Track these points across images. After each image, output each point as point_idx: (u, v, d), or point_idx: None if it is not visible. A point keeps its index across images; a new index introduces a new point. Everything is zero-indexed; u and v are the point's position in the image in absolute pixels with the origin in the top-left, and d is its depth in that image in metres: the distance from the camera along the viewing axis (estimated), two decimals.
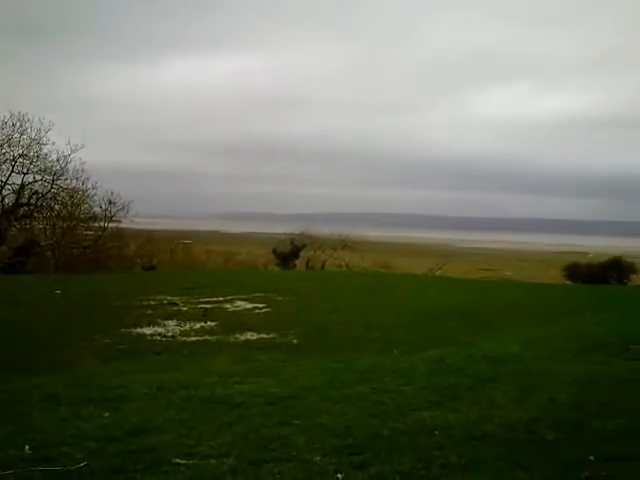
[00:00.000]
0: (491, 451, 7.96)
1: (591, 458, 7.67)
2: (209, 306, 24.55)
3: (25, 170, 46.72)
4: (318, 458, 7.83)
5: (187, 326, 20.20)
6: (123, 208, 49.42)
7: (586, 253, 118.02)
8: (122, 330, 19.34)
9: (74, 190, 48.41)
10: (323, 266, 56.77)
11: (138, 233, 56.73)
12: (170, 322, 20.79)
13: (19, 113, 46.97)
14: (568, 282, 53.07)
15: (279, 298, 27.25)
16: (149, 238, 57.93)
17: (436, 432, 8.73)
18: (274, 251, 56.46)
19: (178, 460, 7.68)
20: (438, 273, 74.24)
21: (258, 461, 7.69)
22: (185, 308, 24.07)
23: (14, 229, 48.51)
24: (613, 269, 55.67)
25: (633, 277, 55.15)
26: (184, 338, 18.40)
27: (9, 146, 46.61)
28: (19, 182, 47.09)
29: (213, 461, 7.66)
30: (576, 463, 7.55)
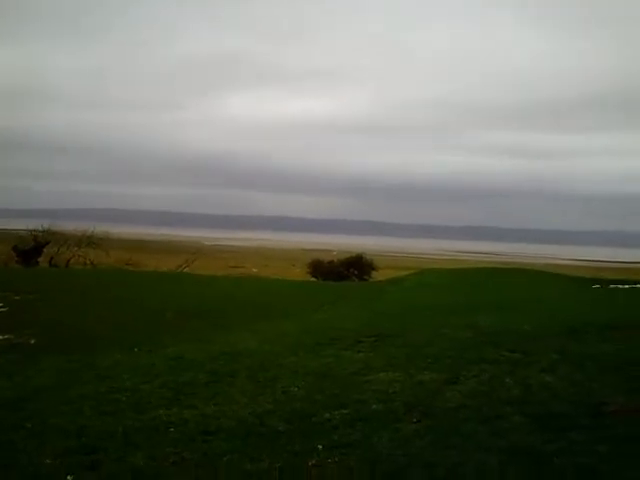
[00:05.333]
0: (224, 445, 8.15)
1: (319, 447, 8.04)
2: None
3: None
4: (49, 461, 7.68)
5: None
6: None
7: (331, 251, 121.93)
8: None
9: None
10: (67, 263, 54.89)
11: None
12: None
13: None
14: (312, 279, 54.56)
15: (17, 297, 26.12)
16: None
17: (171, 429, 8.81)
18: (14, 248, 53.82)
19: None
20: (186, 270, 73.89)
21: None
22: None
23: None
24: (354, 266, 57.85)
25: (373, 274, 57.52)
26: None
27: None
28: None
29: None
30: (305, 452, 7.89)
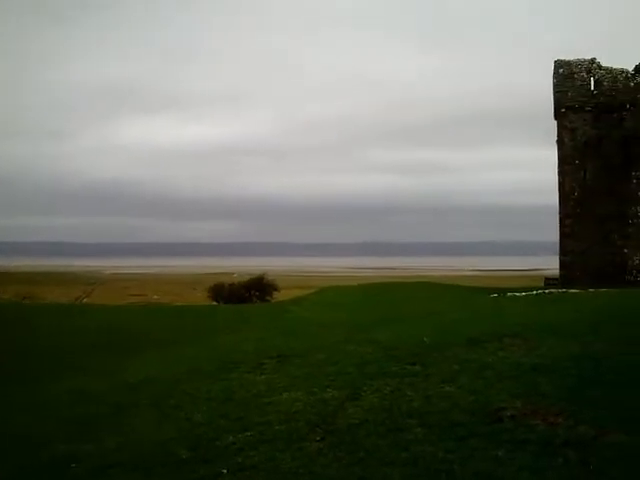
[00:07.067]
0: (126, 477, 8.05)
1: (224, 471, 8.02)
2: None
3: None
4: None
5: None
6: None
7: (232, 273, 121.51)
8: None
9: None
10: None
11: None
12: None
13: None
14: (213, 303, 54.19)
15: None
16: None
17: (73, 464, 8.65)
18: None
19: None
20: (86, 300, 72.70)
21: None
22: None
23: None
24: (256, 288, 57.67)
25: (275, 294, 57.44)
26: None
27: None
28: None
29: None
30: (209, 477, 7.86)
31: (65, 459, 8.83)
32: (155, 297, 75.73)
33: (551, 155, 49.63)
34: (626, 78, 47.37)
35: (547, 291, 34.08)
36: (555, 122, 49.34)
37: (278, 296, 56.22)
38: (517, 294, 32.00)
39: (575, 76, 47.63)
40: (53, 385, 14.65)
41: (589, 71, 47.62)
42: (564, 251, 49.00)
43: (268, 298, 55.87)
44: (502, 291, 36.82)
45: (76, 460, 8.78)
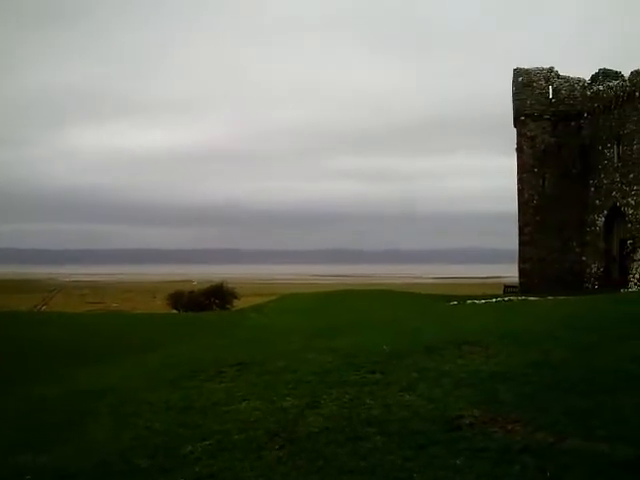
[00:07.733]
0: None
1: None
2: None
3: None
4: None
5: None
6: None
7: (192, 281, 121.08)
8: None
9: None
10: None
11: None
12: None
13: None
14: (173, 310, 53.92)
15: None
16: None
17: (28, 476, 8.51)
18: None
19: None
20: (44, 309, 71.99)
21: None
22: None
23: None
24: (215, 295, 57.48)
25: (235, 302, 57.26)
26: None
27: None
28: None
29: None
30: None
31: (19, 470, 8.68)
32: (114, 305, 75.20)
33: (513, 163, 50.15)
34: (583, 87, 48.05)
35: (506, 299, 34.34)
36: (515, 130, 49.84)
37: (238, 304, 56.04)
38: (477, 302, 32.19)
39: (534, 84, 48.16)
40: (8, 394, 14.42)
41: (547, 79, 48.17)
42: (523, 259, 49.45)
43: (228, 306, 55.70)
44: (462, 299, 37.02)
45: (31, 471, 8.64)
